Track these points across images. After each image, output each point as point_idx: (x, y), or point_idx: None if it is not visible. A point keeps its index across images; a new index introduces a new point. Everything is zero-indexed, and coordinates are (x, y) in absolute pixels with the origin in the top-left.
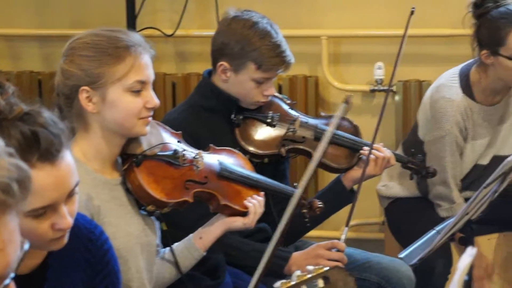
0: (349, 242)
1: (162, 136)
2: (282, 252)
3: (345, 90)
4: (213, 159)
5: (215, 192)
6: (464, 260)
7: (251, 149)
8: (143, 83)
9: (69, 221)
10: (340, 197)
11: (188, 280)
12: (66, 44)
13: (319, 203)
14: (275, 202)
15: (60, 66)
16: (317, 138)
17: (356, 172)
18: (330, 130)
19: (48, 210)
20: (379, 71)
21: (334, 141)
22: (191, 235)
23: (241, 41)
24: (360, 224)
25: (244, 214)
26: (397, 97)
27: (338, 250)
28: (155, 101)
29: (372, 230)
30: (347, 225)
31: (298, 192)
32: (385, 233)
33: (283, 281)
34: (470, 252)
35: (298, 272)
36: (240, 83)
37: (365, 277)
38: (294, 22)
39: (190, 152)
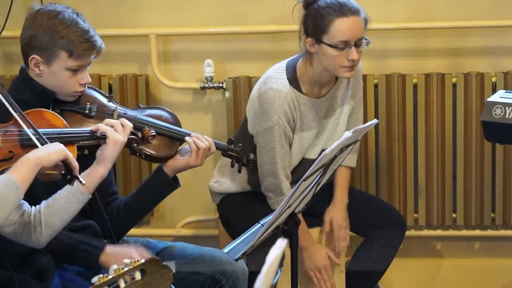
0: (185, 239)
1: None
2: (96, 242)
3: (175, 88)
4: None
5: None
6: (273, 253)
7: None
8: None
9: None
10: (162, 185)
11: (15, 284)
12: None
13: (151, 131)
14: (102, 196)
15: None
16: (136, 128)
17: (176, 161)
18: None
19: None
20: (209, 69)
21: (156, 131)
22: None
23: (48, 32)
24: (195, 221)
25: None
26: (227, 94)
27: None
28: None
29: (207, 227)
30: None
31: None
32: (219, 229)
33: (101, 275)
34: (279, 245)
35: (115, 267)
36: (54, 74)
37: (199, 271)
38: (122, 21)
39: None
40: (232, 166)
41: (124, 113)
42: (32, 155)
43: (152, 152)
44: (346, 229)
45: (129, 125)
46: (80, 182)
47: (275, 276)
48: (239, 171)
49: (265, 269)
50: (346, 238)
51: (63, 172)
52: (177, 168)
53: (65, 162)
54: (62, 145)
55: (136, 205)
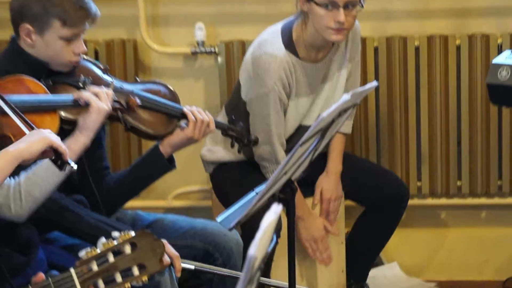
0: (177, 211)
1: None
2: (120, 225)
3: (165, 53)
4: None
5: (8, 133)
6: (268, 218)
7: (62, 114)
8: None
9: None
10: (157, 165)
11: None
12: None
13: (137, 100)
14: (92, 171)
15: None
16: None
17: (173, 137)
18: None
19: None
20: (200, 32)
21: (151, 107)
22: None
23: (41, 0)
24: (187, 192)
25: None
26: (219, 59)
27: None
28: None
29: (200, 198)
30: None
31: None
32: (212, 200)
33: (88, 249)
34: (275, 210)
35: (103, 240)
36: (47, 44)
37: (191, 244)
38: None
39: None
40: (232, 146)
41: (121, 88)
42: (13, 147)
43: (148, 130)
44: (336, 201)
45: (111, 93)
46: (72, 167)
47: (270, 244)
48: (239, 152)
49: (259, 235)
50: (335, 210)
51: (53, 157)
52: (174, 143)
53: (52, 148)
54: (45, 132)
55: (128, 184)
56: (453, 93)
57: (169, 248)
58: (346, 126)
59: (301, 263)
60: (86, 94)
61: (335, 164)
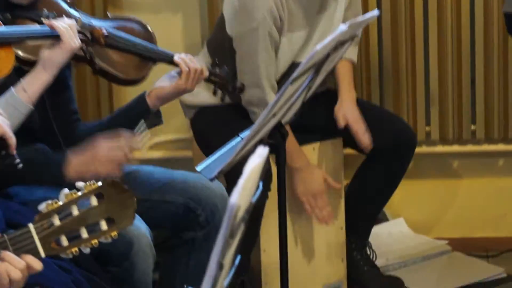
0: (154, 162)
1: None
2: (55, 156)
3: None
4: None
5: None
6: (252, 162)
7: (21, 53)
8: None
9: None
10: (142, 119)
11: None
12: None
13: (103, 29)
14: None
15: None
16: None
17: (162, 89)
18: None
19: None
20: None
21: (123, 47)
22: (12, 90)
23: None
24: (164, 142)
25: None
26: None
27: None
28: None
29: (179, 147)
30: None
31: None
32: (193, 150)
33: (49, 202)
34: (260, 152)
35: (66, 191)
36: None
37: (169, 199)
38: None
39: None
40: (215, 93)
41: (89, 24)
42: None
43: (118, 73)
44: (363, 123)
45: (74, 24)
46: (17, 164)
47: (255, 193)
48: (222, 100)
49: (242, 182)
50: (367, 132)
51: None
52: (163, 96)
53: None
54: None
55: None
56: (466, 25)
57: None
58: (352, 52)
59: (295, 220)
60: (60, 27)
61: (348, 91)
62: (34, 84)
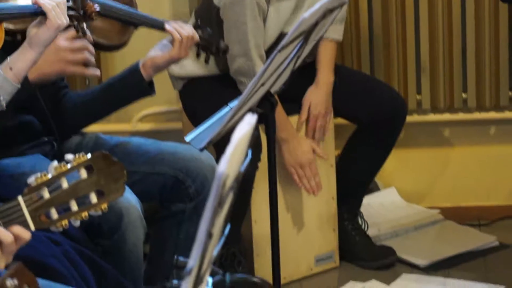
0: (144, 134)
1: None
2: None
3: None
4: None
5: None
6: (240, 130)
7: (11, 27)
8: None
9: None
10: (136, 88)
11: None
12: None
13: (95, 6)
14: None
15: None
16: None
17: (156, 59)
18: None
19: None
20: None
21: (115, 17)
22: None
23: None
24: (154, 114)
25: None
26: None
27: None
28: None
29: (169, 119)
30: None
31: None
32: (182, 122)
33: (38, 175)
34: (248, 120)
35: (55, 163)
36: None
37: (159, 171)
38: None
39: None
40: (198, 56)
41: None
42: None
43: (100, 39)
44: (325, 117)
45: (62, 1)
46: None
47: (243, 161)
48: (207, 62)
49: (230, 149)
50: (325, 127)
51: None
52: (157, 66)
53: None
54: None
55: (94, 106)
56: None
57: None
58: (337, 31)
59: (286, 190)
60: (41, 2)
61: (325, 75)
62: (20, 62)
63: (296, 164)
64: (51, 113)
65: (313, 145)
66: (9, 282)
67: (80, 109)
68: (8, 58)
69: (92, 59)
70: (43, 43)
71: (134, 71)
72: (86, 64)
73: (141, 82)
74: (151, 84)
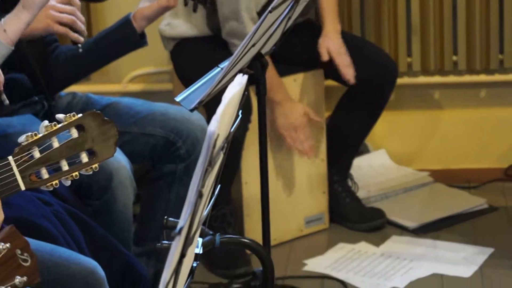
0: (134, 95)
1: None
2: None
3: None
4: None
5: None
6: (231, 90)
7: None
8: None
9: None
10: (129, 40)
11: None
12: None
13: None
14: (33, 50)
15: None
16: None
17: (146, 9)
18: None
19: None
20: None
21: None
22: None
23: None
24: (145, 74)
25: None
26: None
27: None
28: None
29: (160, 80)
30: None
31: None
32: (173, 83)
33: (29, 134)
34: (238, 80)
35: (46, 123)
36: None
37: (149, 131)
38: None
39: None
40: (186, 4)
41: None
42: None
43: None
44: (346, 55)
45: None
46: (2, 101)
47: (234, 121)
48: (195, 10)
49: (221, 109)
50: (350, 65)
51: None
52: (148, 16)
53: None
54: None
55: (87, 59)
56: None
57: None
58: None
59: (276, 152)
60: None
61: (332, 24)
62: (14, 24)
63: (289, 127)
64: (40, 67)
65: (306, 108)
66: (1, 245)
67: (71, 62)
68: (2, 20)
69: (79, 25)
70: (37, 5)
71: (125, 23)
72: (73, 29)
73: (133, 33)
74: (143, 35)
